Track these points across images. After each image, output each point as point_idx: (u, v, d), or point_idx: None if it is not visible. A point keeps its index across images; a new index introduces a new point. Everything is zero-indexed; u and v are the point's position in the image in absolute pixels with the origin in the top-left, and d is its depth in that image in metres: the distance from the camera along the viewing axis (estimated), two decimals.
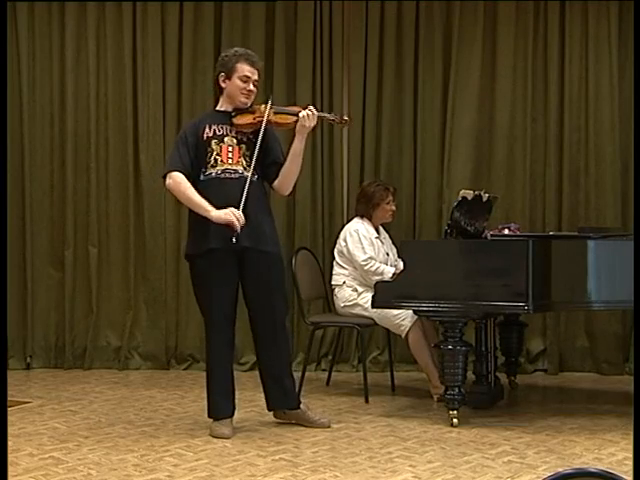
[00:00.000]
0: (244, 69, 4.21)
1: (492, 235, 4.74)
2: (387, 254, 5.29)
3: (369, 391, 5.04)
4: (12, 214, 6.13)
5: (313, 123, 4.24)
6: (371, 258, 5.12)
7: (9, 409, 4.66)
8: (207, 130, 4.20)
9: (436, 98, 6.12)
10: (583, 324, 6.02)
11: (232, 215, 4.01)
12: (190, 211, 4.23)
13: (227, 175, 4.15)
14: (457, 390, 4.34)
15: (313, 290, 5.43)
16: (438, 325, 4.71)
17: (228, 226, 4.02)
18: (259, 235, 4.19)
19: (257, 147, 4.14)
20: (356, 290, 5.16)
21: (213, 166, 4.16)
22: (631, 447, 3.77)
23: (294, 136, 4.27)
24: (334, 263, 5.32)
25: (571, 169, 6.02)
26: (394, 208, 5.38)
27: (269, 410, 4.43)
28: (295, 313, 5.97)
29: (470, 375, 4.69)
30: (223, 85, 4.25)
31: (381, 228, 5.40)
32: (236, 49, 4.31)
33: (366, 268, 5.09)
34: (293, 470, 3.61)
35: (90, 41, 6.16)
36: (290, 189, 4.38)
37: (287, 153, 4.29)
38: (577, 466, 3.60)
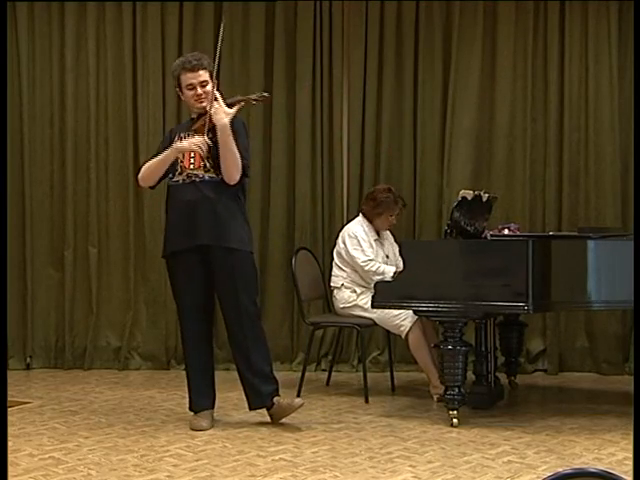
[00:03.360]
0: (187, 78, 4.29)
1: (492, 235, 4.74)
2: (387, 256, 5.28)
3: (369, 391, 5.04)
4: (12, 214, 6.13)
5: (221, 113, 4.20)
6: (371, 259, 5.12)
7: (9, 409, 4.67)
8: (177, 138, 4.34)
9: (436, 98, 6.12)
10: (583, 324, 6.02)
11: (193, 144, 4.19)
12: (166, 213, 4.46)
13: (189, 180, 4.29)
14: (457, 390, 4.34)
15: (313, 290, 5.43)
16: (438, 325, 4.71)
17: (198, 148, 4.18)
18: (222, 233, 4.26)
19: (206, 128, 4.21)
20: (355, 292, 5.16)
21: (180, 173, 4.32)
22: (631, 447, 3.77)
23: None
24: (333, 264, 5.32)
25: (571, 169, 6.02)
26: (395, 222, 5.37)
27: (250, 410, 4.45)
28: (295, 313, 5.98)
29: (470, 375, 4.70)
30: (182, 97, 4.42)
31: (386, 231, 5.38)
32: (178, 60, 4.41)
33: (366, 269, 5.09)
34: (293, 470, 3.61)
35: (90, 41, 6.17)
36: (231, 177, 4.26)
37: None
38: (577, 466, 3.60)
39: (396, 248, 5.33)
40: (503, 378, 5.22)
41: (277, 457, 3.81)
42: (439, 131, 6.11)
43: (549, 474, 2.01)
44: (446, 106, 6.09)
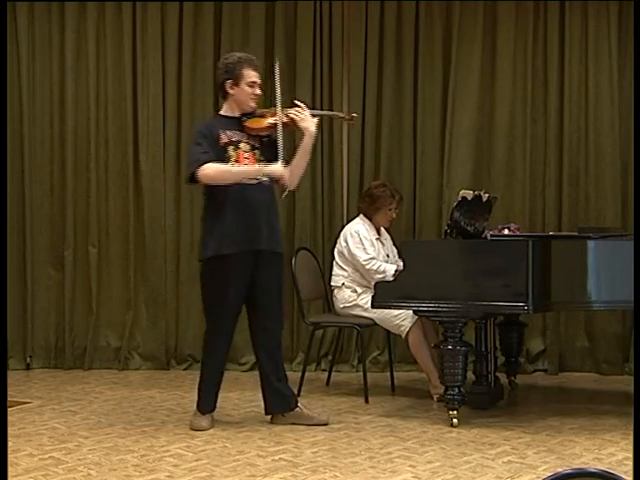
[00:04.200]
0: (250, 75, 4.28)
1: (492, 235, 4.74)
2: (387, 255, 5.28)
3: (369, 391, 5.04)
4: (12, 214, 6.13)
5: (309, 121, 4.28)
6: (372, 258, 5.11)
7: (9, 409, 4.66)
8: (222, 136, 4.24)
9: (436, 98, 6.12)
10: (583, 324, 6.01)
11: (278, 172, 4.18)
12: (208, 214, 4.29)
13: (246, 182, 4.21)
14: (457, 390, 4.34)
15: (313, 290, 5.43)
16: (438, 325, 4.71)
17: (279, 180, 4.18)
18: (275, 238, 4.33)
19: (281, 149, 4.20)
20: (355, 291, 5.16)
21: None
22: (631, 447, 3.76)
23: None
24: (334, 264, 5.32)
25: (571, 169, 6.02)
26: (394, 216, 5.37)
27: (267, 414, 4.46)
28: (295, 313, 5.97)
29: (470, 375, 4.69)
30: (231, 92, 4.29)
31: (382, 229, 5.39)
32: (239, 55, 4.37)
33: (368, 267, 5.09)
34: (293, 470, 3.61)
35: (90, 41, 6.17)
36: (296, 184, 4.46)
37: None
38: (577, 466, 3.60)
39: (395, 251, 5.33)
40: (503, 378, 5.22)
41: (277, 457, 3.81)
42: (439, 131, 6.11)
43: (549, 474, 2.01)
44: (446, 106, 6.09)
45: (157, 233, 6.18)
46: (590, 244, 4.34)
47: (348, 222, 5.44)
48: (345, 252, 5.20)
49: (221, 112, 4.39)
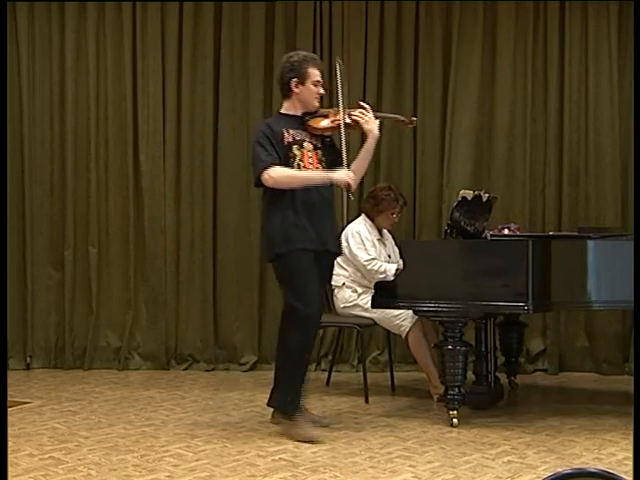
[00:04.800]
0: (316, 74, 4.23)
1: (492, 235, 4.74)
2: (389, 256, 5.28)
3: (369, 391, 5.04)
4: (12, 214, 6.13)
5: (373, 123, 4.25)
6: (374, 259, 5.11)
7: (9, 409, 4.66)
8: (286, 135, 4.18)
9: (436, 98, 6.12)
10: (583, 324, 6.01)
11: (348, 176, 4.14)
12: (275, 212, 4.16)
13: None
14: (457, 390, 4.33)
15: None
16: (438, 325, 4.71)
17: (348, 185, 4.14)
18: (335, 238, 4.38)
19: (344, 150, 4.19)
20: (356, 291, 5.16)
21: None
22: (631, 447, 3.76)
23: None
24: (335, 263, 5.30)
25: (571, 169, 6.02)
26: (397, 220, 5.37)
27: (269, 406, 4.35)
28: None
29: (470, 375, 4.69)
30: (296, 90, 4.22)
31: (384, 230, 5.38)
32: (304, 53, 4.32)
33: (369, 268, 5.09)
34: (293, 470, 3.61)
35: (90, 41, 6.17)
36: (356, 186, 4.37)
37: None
38: (577, 466, 3.60)
39: (397, 251, 5.32)
40: (503, 378, 5.22)
41: (277, 457, 3.81)
42: (439, 131, 6.11)
43: (549, 474, 2.01)
44: (446, 106, 6.09)
45: (157, 233, 6.18)
46: (590, 244, 4.34)
47: (348, 223, 5.43)
48: (346, 252, 5.19)
49: (282, 111, 4.30)
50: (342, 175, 4.14)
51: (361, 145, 4.36)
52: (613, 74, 5.96)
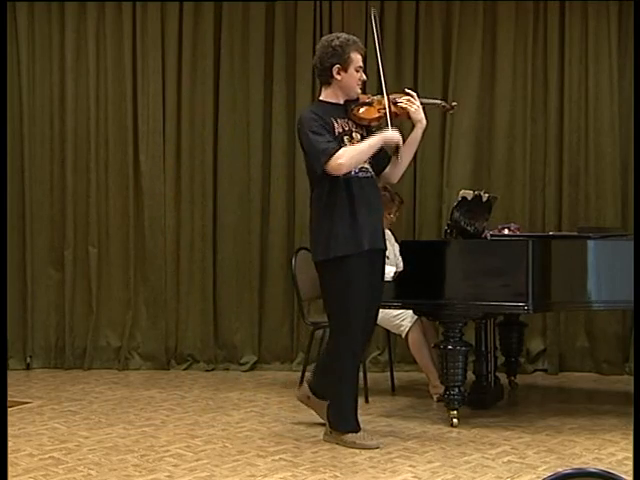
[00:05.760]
0: (359, 59, 4.01)
1: (492, 235, 4.74)
2: (387, 257, 5.26)
3: (369, 391, 5.03)
4: (12, 214, 6.13)
5: (421, 112, 4.10)
6: None
7: (9, 409, 4.66)
8: (336, 125, 3.97)
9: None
10: (583, 324, 6.01)
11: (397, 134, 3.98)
12: (330, 210, 3.92)
13: (363, 174, 3.99)
14: (457, 390, 4.33)
15: (313, 290, 5.38)
16: (438, 325, 4.71)
17: (397, 146, 3.97)
18: (383, 233, 4.12)
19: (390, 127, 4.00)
20: None
21: None
22: (631, 447, 3.77)
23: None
24: None
25: (571, 169, 6.02)
26: (394, 219, 5.36)
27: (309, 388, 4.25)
28: (295, 313, 5.97)
29: (470, 375, 4.69)
30: (338, 77, 3.98)
31: (387, 230, 5.38)
32: (345, 36, 4.02)
33: None
34: (293, 470, 3.61)
35: (90, 41, 6.17)
36: (399, 177, 4.25)
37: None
38: (577, 466, 3.60)
39: (397, 248, 5.31)
40: (503, 378, 5.22)
41: (277, 457, 3.81)
42: (439, 131, 6.11)
43: (549, 474, 2.01)
44: None
45: (157, 233, 6.18)
46: (590, 244, 4.34)
47: None
48: None
49: (323, 98, 4.06)
50: (394, 133, 3.97)
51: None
52: (613, 74, 5.96)
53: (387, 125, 4.00)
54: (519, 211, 6.03)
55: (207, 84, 6.16)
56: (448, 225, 4.54)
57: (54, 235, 6.23)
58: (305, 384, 4.35)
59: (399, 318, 4.98)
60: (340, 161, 3.83)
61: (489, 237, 4.70)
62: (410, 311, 4.80)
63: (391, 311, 4.91)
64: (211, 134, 6.18)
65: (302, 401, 4.32)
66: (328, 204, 3.93)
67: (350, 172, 3.91)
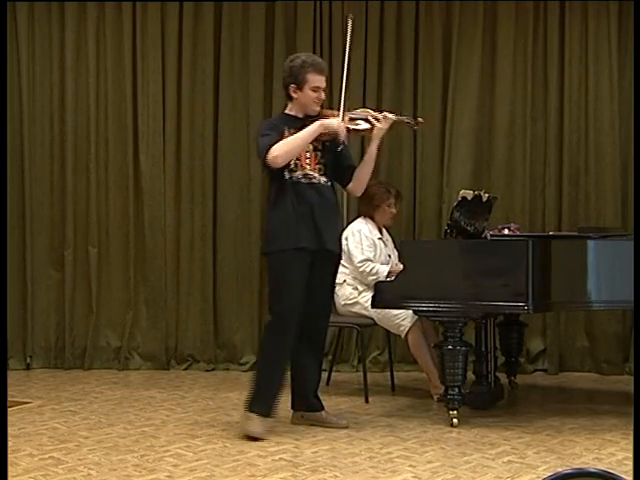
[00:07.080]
0: (314, 80, 4.21)
1: (492, 235, 4.74)
2: (389, 256, 5.27)
3: (369, 391, 5.04)
4: (12, 214, 6.13)
5: (385, 127, 4.32)
6: (368, 260, 5.10)
7: (9, 409, 4.66)
8: (286, 133, 4.17)
9: (436, 98, 6.12)
10: (583, 324, 6.02)
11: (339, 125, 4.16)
12: (275, 209, 4.23)
13: (307, 180, 4.20)
14: (457, 390, 4.33)
15: None
16: (438, 325, 4.71)
17: (337, 135, 4.15)
18: (338, 240, 4.39)
19: (341, 151, 4.26)
20: (357, 289, 5.16)
21: (293, 170, 4.18)
22: (631, 447, 3.76)
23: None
24: None
25: (571, 169, 6.02)
26: (394, 211, 5.36)
27: (296, 410, 4.44)
28: None
29: (470, 375, 4.69)
30: (294, 95, 4.24)
31: (384, 230, 5.38)
32: (303, 58, 4.27)
33: (361, 270, 5.09)
34: (293, 470, 3.61)
35: (90, 41, 6.16)
36: (362, 190, 4.49)
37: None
38: (577, 466, 3.60)
39: (396, 252, 5.31)
40: (503, 378, 5.22)
41: (277, 457, 3.81)
42: (439, 131, 6.11)
43: (549, 474, 2.01)
44: (446, 106, 6.09)
45: (157, 233, 6.18)
46: (590, 244, 4.34)
47: (348, 223, 5.43)
48: (345, 250, 5.19)
49: (286, 111, 4.33)
50: (333, 121, 4.17)
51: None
52: (613, 74, 5.96)
53: (344, 140, 4.22)
54: (519, 211, 6.03)
55: (207, 84, 6.16)
56: (448, 225, 4.54)
57: (54, 235, 6.23)
58: (293, 412, 4.46)
59: (399, 318, 4.98)
60: (275, 153, 4.07)
61: (489, 237, 4.70)
62: (410, 311, 4.79)
63: (391, 311, 4.91)
64: (211, 134, 6.18)
65: (300, 423, 4.39)
66: (275, 203, 4.24)
67: (298, 177, 4.17)
